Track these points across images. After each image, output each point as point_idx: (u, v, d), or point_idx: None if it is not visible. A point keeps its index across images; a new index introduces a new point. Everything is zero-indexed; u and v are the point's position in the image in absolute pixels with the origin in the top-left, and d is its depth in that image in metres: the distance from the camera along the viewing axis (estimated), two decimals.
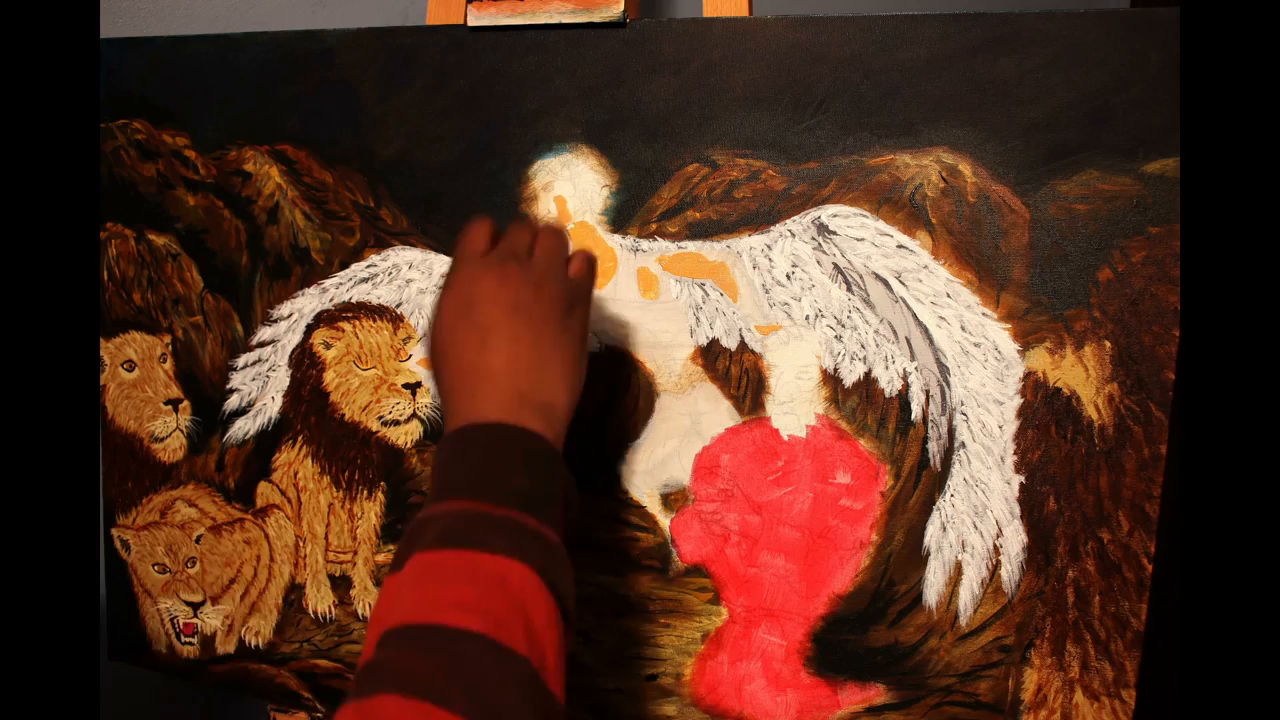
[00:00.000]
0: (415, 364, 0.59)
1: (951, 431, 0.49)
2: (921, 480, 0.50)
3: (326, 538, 0.63)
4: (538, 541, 0.37)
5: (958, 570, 0.50)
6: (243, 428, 0.64)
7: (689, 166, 0.52)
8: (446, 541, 0.36)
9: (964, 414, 0.49)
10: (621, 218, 0.54)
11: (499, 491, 0.38)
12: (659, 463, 0.54)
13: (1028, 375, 0.48)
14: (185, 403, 0.65)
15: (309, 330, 0.61)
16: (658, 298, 0.54)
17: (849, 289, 0.51)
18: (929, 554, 0.50)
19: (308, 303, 0.61)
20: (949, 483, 0.50)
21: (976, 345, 0.49)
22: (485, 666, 0.32)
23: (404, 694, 0.30)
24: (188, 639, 0.68)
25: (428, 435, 0.59)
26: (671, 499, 0.55)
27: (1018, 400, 0.48)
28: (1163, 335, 0.45)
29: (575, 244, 0.52)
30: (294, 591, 0.64)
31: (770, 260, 0.52)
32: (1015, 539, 0.49)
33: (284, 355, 0.62)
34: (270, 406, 0.63)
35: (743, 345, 0.52)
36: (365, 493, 0.61)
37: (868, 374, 0.50)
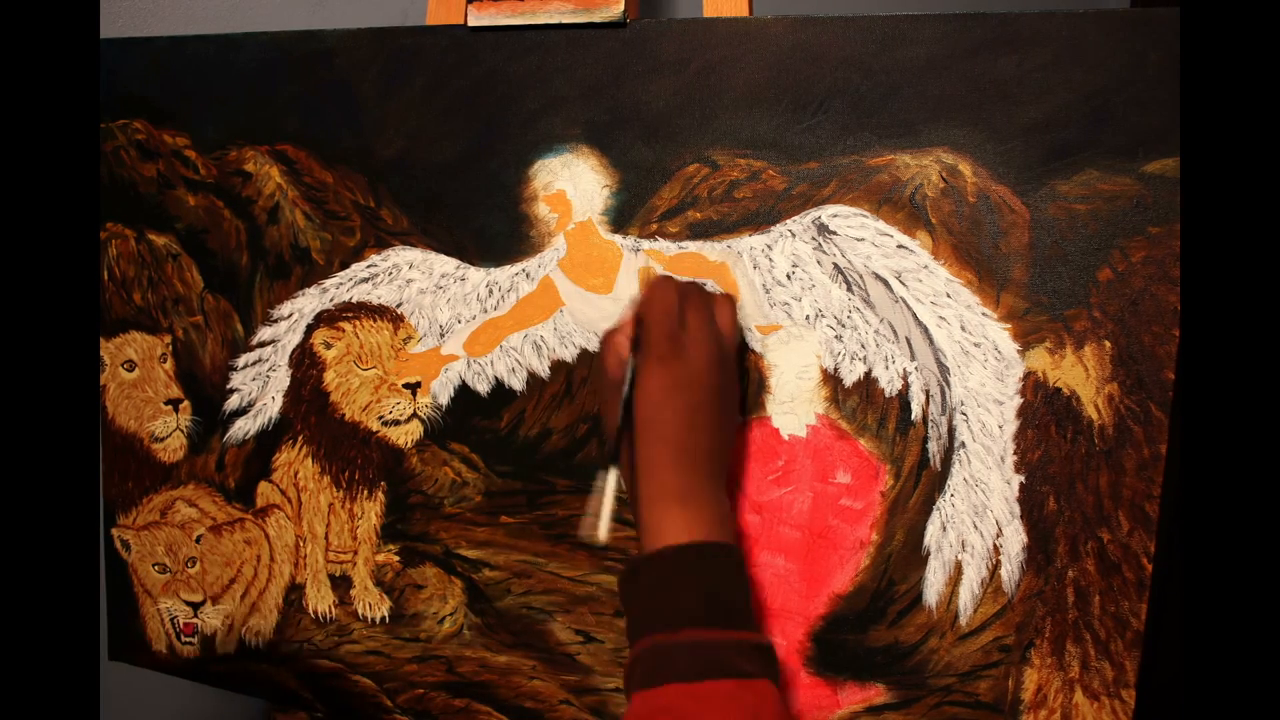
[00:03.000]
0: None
1: (951, 431, 0.49)
2: (921, 480, 0.50)
3: (327, 537, 0.63)
4: (759, 651, 0.40)
5: (958, 570, 0.50)
6: (243, 427, 0.64)
7: (689, 167, 0.52)
8: (705, 673, 0.38)
9: (964, 414, 0.49)
10: (622, 218, 0.54)
11: (734, 616, 0.40)
12: None
13: (1028, 375, 0.48)
14: (185, 403, 0.65)
15: (309, 330, 0.61)
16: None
17: (849, 289, 0.51)
18: (929, 554, 0.50)
19: (308, 303, 0.61)
20: (949, 482, 0.50)
21: (976, 345, 0.49)
22: None
23: None
24: (188, 639, 0.68)
25: (428, 435, 0.59)
26: None
27: (1018, 400, 0.48)
28: (1163, 335, 0.45)
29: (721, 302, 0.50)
30: (294, 591, 0.64)
31: (770, 260, 0.52)
32: (1015, 539, 0.49)
33: (284, 355, 0.62)
34: (270, 406, 0.63)
35: (744, 347, 0.52)
36: (365, 492, 0.61)
37: (868, 374, 0.51)
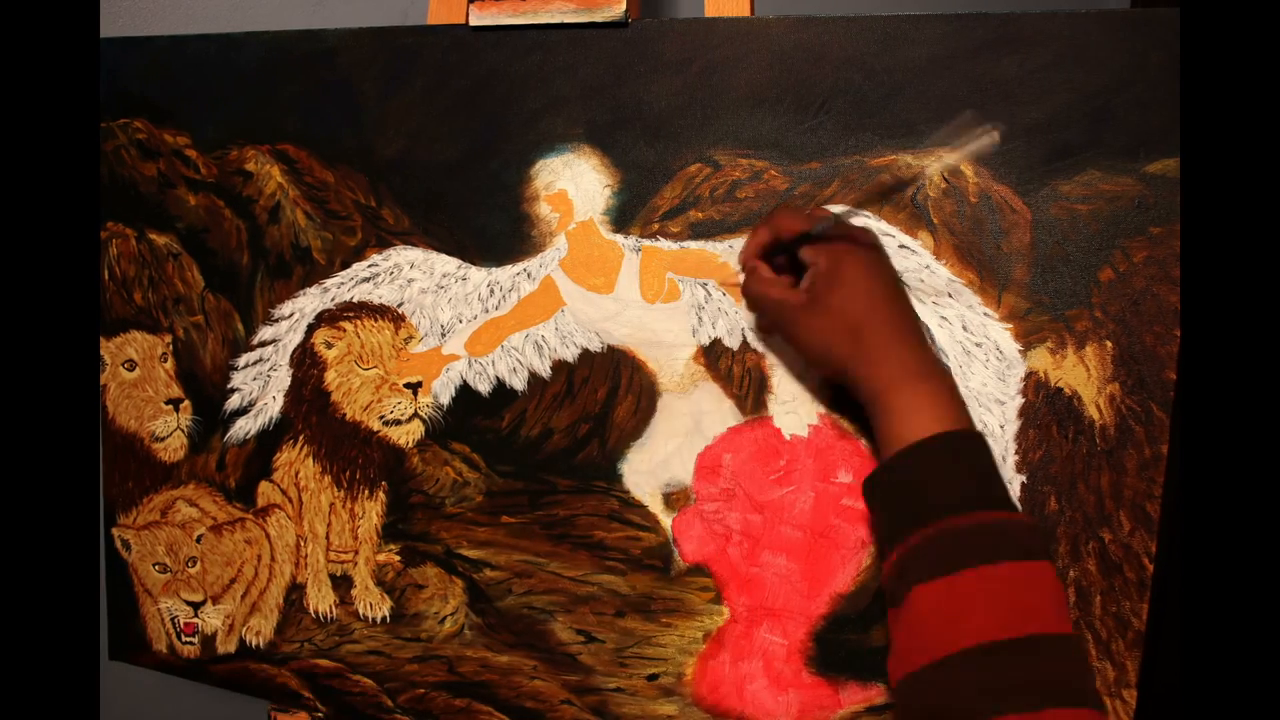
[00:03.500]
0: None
1: None
2: None
3: (327, 537, 0.63)
4: (1038, 531, 0.41)
5: None
6: (244, 427, 0.64)
7: (691, 166, 0.52)
8: (1005, 555, 0.38)
9: None
10: (624, 217, 0.54)
11: (1009, 500, 0.41)
12: (661, 462, 0.54)
13: (1029, 375, 0.48)
14: (186, 402, 0.65)
15: (310, 330, 0.61)
16: (660, 298, 0.54)
17: None
18: None
19: (309, 302, 0.61)
20: None
21: (978, 345, 0.49)
22: (1085, 658, 0.38)
23: (1072, 706, 0.34)
24: (188, 638, 0.68)
25: (429, 435, 0.59)
26: (673, 498, 0.55)
27: (1019, 400, 0.48)
28: (1164, 335, 0.45)
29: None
30: (295, 591, 0.64)
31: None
32: None
33: (285, 355, 0.62)
34: (271, 406, 0.63)
35: (745, 345, 0.52)
36: (366, 492, 0.61)
37: None
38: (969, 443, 0.41)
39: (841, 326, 0.44)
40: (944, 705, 0.35)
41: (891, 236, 0.49)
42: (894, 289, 0.45)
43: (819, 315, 0.44)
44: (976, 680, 0.35)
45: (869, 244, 0.45)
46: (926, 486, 0.40)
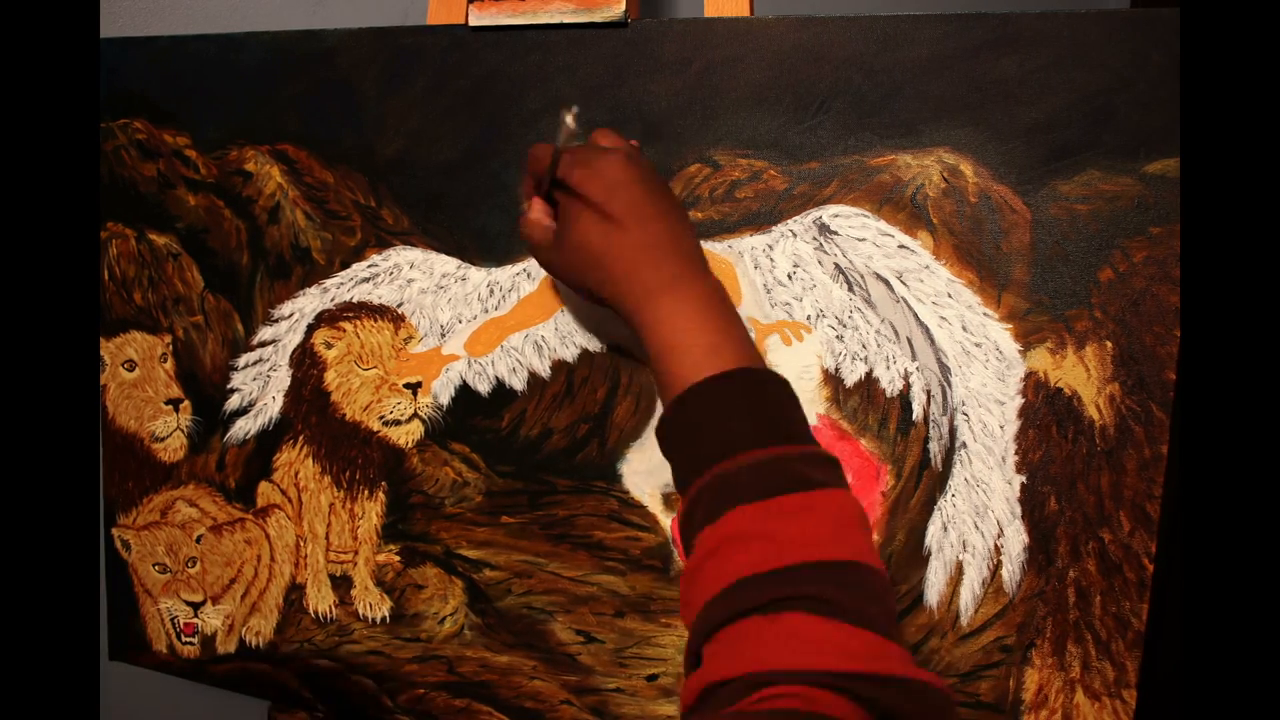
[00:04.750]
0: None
1: (953, 431, 0.49)
2: (922, 480, 0.50)
3: (327, 537, 0.63)
4: (826, 461, 0.39)
5: (959, 570, 0.50)
6: (243, 427, 0.64)
7: (691, 167, 0.52)
8: (774, 490, 0.36)
9: (965, 414, 0.49)
10: None
11: (795, 432, 0.39)
12: (660, 463, 0.54)
13: (1029, 375, 0.48)
14: (186, 402, 0.65)
15: (310, 330, 0.61)
16: None
17: (850, 289, 0.51)
18: (930, 554, 0.50)
19: (309, 302, 0.61)
20: (950, 483, 0.50)
21: (978, 345, 0.49)
22: (870, 584, 0.35)
23: (819, 614, 0.32)
24: (188, 639, 0.68)
25: (429, 435, 0.59)
26: (672, 499, 0.55)
27: (1019, 400, 0.48)
28: (1164, 335, 0.45)
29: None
30: (294, 591, 0.64)
31: (772, 260, 0.52)
32: (1016, 539, 0.49)
33: (285, 355, 0.62)
34: (271, 406, 0.63)
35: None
36: (366, 492, 0.61)
37: (869, 374, 0.50)
38: (736, 382, 0.39)
39: (587, 258, 0.43)
40: (702, 629, 0.35)
41: (890, 236, 0.49)
42: (639, 205, 0.42)
43: (565, 251, 0.44)
44: (732, 601, 0.34)
45: (613, 159, 0.43)
46: (698, 435, 0.39)
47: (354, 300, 0.60)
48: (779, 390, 0.40)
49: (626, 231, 0.42)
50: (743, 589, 0.34)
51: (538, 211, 0.47)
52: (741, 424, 0.39)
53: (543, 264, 0.49)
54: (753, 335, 0.52)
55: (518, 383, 0.57)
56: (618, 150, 0.45)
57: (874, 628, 0.33)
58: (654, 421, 0.55)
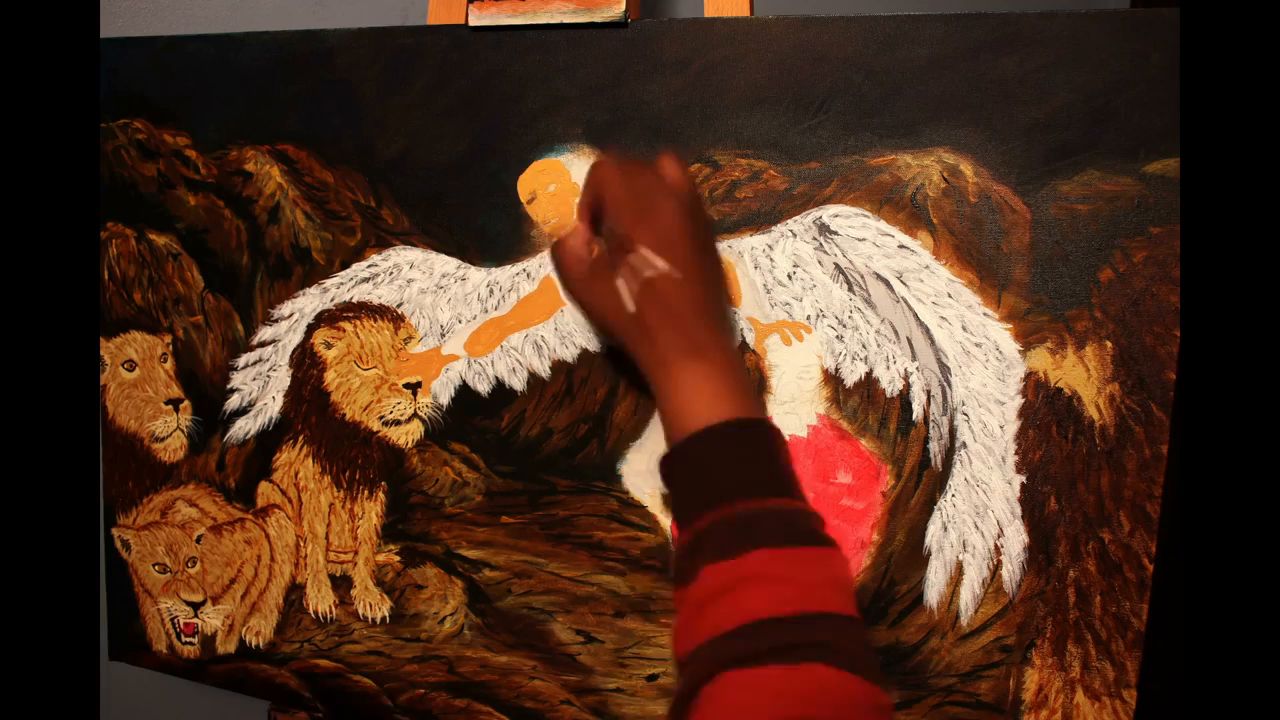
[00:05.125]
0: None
1: (953, 431, 0.49)
2: (923, 480, 0.50)
3: (327, 537, 0.63)
4: (818, 520, 0.40)
5: (959, 570, 0.50)
6: (243, 427, 0.64)
7: (690, 167, 0.52)
8: (794, 540, 0.38)
9: (965, 414, 0.49)
10: None
11: (801, 491, 0.41)
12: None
13: (1029, 375, 0.48)
14: (186, 402, 0.65)
15: (310, 330, 0.61)
16: None
17: (850, 289, 0.51)
18: (930, 554, 0.50)
19: (309, 302, 0.61)
20: (950, 483, 0.50)
21: (978, 345, 0.49)
22: (863, 641, 0.36)
23: (838, 667, 0.34)
24: (188, 639, 0.68)
25: (429, 435, 0.59)
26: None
27: (1019, 400, 0.48)
28: (1164, 335, 0.45)
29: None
30: (295, 591, 0.64)
31: (772, 260, 0.52)
32: (1016, 539, 0.49)
33: (285, 355, 0.62)
34: (271, 406, 0.63)
35: (743, 345, 0.52)
36: (366, 492, 0.61)
37: (869, 374, 0.50)
38: (752, 430, 0.41)
39: (616, 306, 0.43)
40: (707, 663, 0.35)
41: (890, 236, 0.49)
42: (686, 257, 0.42)
43: (595, 293, 0.43)
44: (747, 645, 0.35)
45: (672, 210, 0.43)
46: (713, 472, 0.40)
47: (354, 300, 0.60)
48: (782, 443, 0.42)
49: (661, 294, 0.42)
50: (764, 630, 0.35)
51: (577, 240, 0.46)
52: (761, 471, 0.40)
53: (564, 288, 0.48)
54: (752, 335, 0.53)
55: (518, 383, 0.57)
56: (679, 198, 0.44)
57: (881, 683, 0.35)
58: (655, 420, 0.54)
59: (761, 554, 0.37)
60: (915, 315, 0.49)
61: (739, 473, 0.40)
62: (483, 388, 0.58)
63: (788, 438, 0.52)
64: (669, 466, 0.42)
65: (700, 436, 0.40)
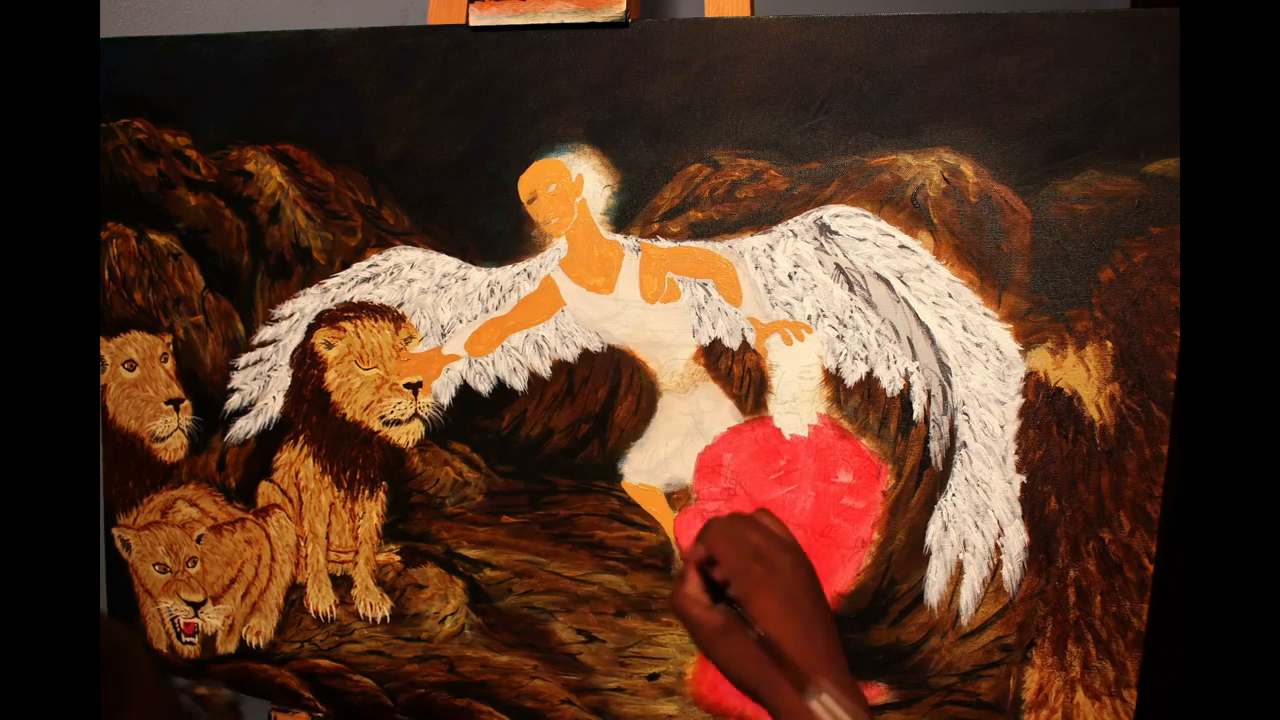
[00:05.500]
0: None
1: (953, 431, 0.49)
2: (923, 479, 0.50)
3: (328, 537, 0.63)
4: None
5: (959, 569, 0.50)
6: (244, 427, 0.64)
7: (691, 166, 0.52)
8: None
9: (965, 414, 0.49)
10: (624, 217, 0.54)
11: None
12: (661, 462, 0.55)
13: (1029, 375, 0.48)
14: (186, 402, 0.65)
15: (310, 330, 0.61)
16: (660, 298, 0.54)
17: (851, 289, 0.51)
18: (930, 553, 0.50)
19: (309, 302, 0.61)
20: (950, 482, 0.50)
21: (978, 345, 0.49)
22: None
23: None
24: (188, 638, 0.68)
25: (429, 435, 0.59)
26: (674, 498, 0.55)
27: (1019, 400, 0.48)
28: (1164, 335, 0.45)
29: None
30: (295, 591, 0.64)
31: (772, 260, 0.52)
32: (1016, 538, 0.49)
33: (285, 355, 0.62)
34: (271, 406, 0.63)
35: (745, 345, 0.52)
36: (367, 492, 0.61)
37: (870, 374, 0.51)
38: None
39: (752, 657, 0.44)
40: None
41: (891, 236, 0.49)
42: (801, 621, 0.44)
43: (727, 644, 0.45)
44: None
45: (792, 562, 0.44)
46: None
47: (354, 300, 0.60)
48: None
49: (794, 641, 0.43)
50: None
51: (697, 589, 0.46)
52: None
53: (696, 640, 0.48)
54: (753, 335, 0.53)
55: (518, 382, 0.57)
56: (794, 549, 0.45)
57: None
58: (656, 420, 0.55)
59: None
60: (916, 315, 0.50)
61: None
62: (483, 387, 0.58)
63: (789, 437, 0.52)
64: None
65: None
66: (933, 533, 0.50)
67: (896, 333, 0.50)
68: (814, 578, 0.46)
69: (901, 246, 0.49)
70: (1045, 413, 0.48)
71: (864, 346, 0.50)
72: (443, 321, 0.58)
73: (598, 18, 0.52)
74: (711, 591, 0.46)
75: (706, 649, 0.47)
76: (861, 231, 0.50)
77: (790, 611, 0.44)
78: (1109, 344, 0.46)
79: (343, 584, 0.63)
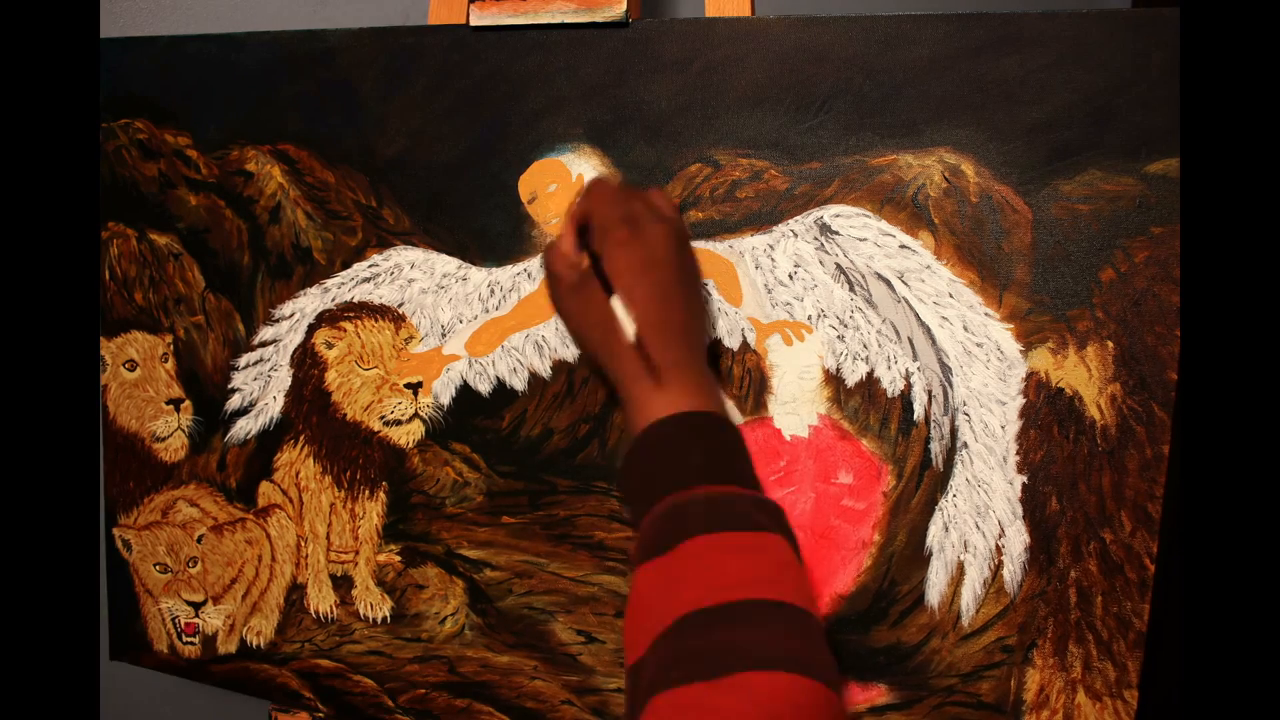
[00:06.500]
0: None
1: (954, 431, 0.49)
2: (924, 480, 0.50)
3: (328, 537, 0.63)
4: (773, 509, 0.39)
5: (960, 570, 0.50)
6: (244, 427, 0.64)
7: (691, 166, 0.52)
8: (726, 525, 0.36)
9: (966, 414, 0.49)
10: None
11: (743, 477, 0.39)
12: None
13: (1030, 375, 0.48)
14: (187, 402, 0.65)
15: (311, 330, 0.61)
16: None
17: (851, 289, 0.51)
18: (931, 554, 0.50)
19: (309, 302, 0.61)
20: (951, 483, 0.50)
21: (979, 345, 0.49)
22: (815, 632, 0.34)
23: (771, 669, 0.31)
24: (189, 639, 0.68)
25: (429, 435, 0.59)
26: None
27: (1020, 400, 0.48)
28: (1165, 335, 0.45)
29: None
30: (295, 591, 0.64)
31: (773, 260, 0.52)
32: (1017, 539, 0.49)
33: (286, 355, 0.62)
34: (272, 406, 0.63)
35: (745, 345, 0.52)
36: (367, 492, 0.61)
37: (870, 374, 0.50)
38: (696, 420, 0.40)
39: (598, 321, 0.43)
40: (646, 682, 0.32)
41: (892, 236, 0.49)
42: (657, 289, 0.43)
43: (580, 299, 0.44)
44: (673, 650, 0.32)
45: (661, 232, 0.44)
46: (654, 469, 0.39)
47: (355, 300, 0.60)
48: (733, 436, 0.41)
49: (644, 310, 0.43)
50: (688, 632, 0.33)
51: (568, 245, 0.47)
52: (694, 459, 0.39)
53: (551, 296, 0.48)
54: (754, 336, 0.52)
55: (518, 383, 0.57)
56: (670, 222, 0.44)
57: (819, 675, 0.31)
58: None
59: (686, 545, 0.35)
60: (916, 315, 0.49)
61: (674, 466, 0.39)
62: (484, 388, 0.58)
63: (789, 438, 0.52)
64: (618, 478, 0.42)
65: (639, 440, 0.40)
66: (933, 534, 0.50)
67: (897, 333, 0.50)
68: (687, 255, 0.45)
69: (902, 246, 0.49)
70: (1046, 413, 0.48)
71: (865, 347, 0.50)
72: (443, 321, 0.58)
73: (598, 18, 0.52)
74: (585, 250, 0.45)
75: (557, 304, 0.47)
76: (862, 231, 0.50)
77: (648, 280, 0.43)
78: (1110, 344, 0.46)
79: (343, 584, 0.63)
